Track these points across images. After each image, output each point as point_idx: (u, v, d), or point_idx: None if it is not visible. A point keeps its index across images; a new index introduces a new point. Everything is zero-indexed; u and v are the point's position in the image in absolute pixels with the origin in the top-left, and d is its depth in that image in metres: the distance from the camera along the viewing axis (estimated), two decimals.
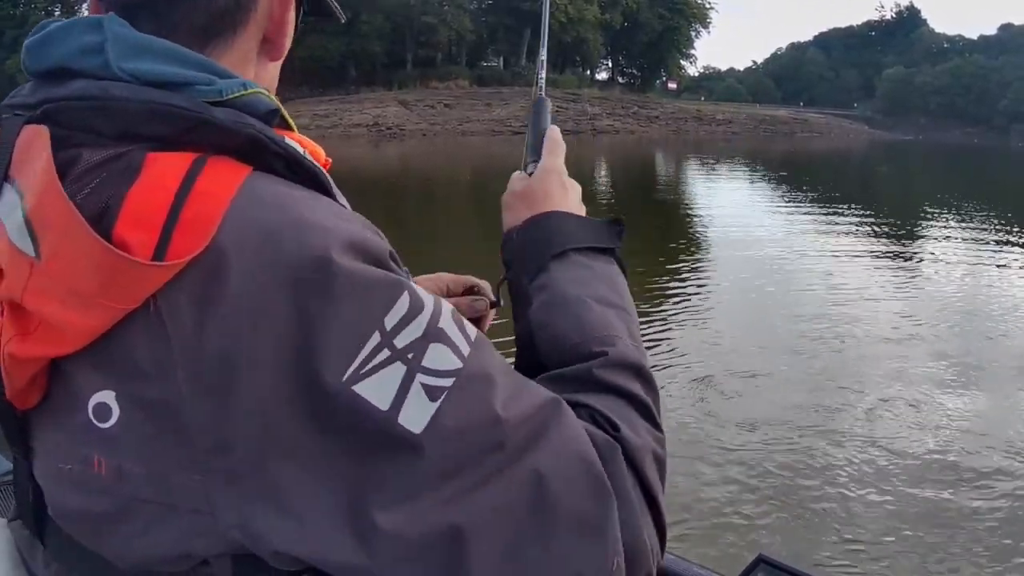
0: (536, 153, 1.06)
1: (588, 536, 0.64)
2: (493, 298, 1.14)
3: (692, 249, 13.59)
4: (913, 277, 11.43)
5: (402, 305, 0.62)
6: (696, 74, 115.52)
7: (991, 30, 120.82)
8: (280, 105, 0.73)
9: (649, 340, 7.65)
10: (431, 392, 0.61)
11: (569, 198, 1.00)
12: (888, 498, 4.75)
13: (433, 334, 0.63)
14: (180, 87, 0.65)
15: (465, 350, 0.64)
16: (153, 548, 0.62)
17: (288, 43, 0.82)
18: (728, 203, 20.33)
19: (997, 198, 24.20)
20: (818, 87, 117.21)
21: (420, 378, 0.60)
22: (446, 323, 0.65)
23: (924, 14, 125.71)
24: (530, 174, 1.03)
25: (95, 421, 0.60)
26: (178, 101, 0.63)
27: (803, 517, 4.55)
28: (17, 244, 0.59)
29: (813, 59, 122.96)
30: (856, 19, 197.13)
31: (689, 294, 9.96)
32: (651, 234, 14.47)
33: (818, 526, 4.46)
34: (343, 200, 0.72)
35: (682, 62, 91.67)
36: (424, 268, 1.15)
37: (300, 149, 0.69)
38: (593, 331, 0.81)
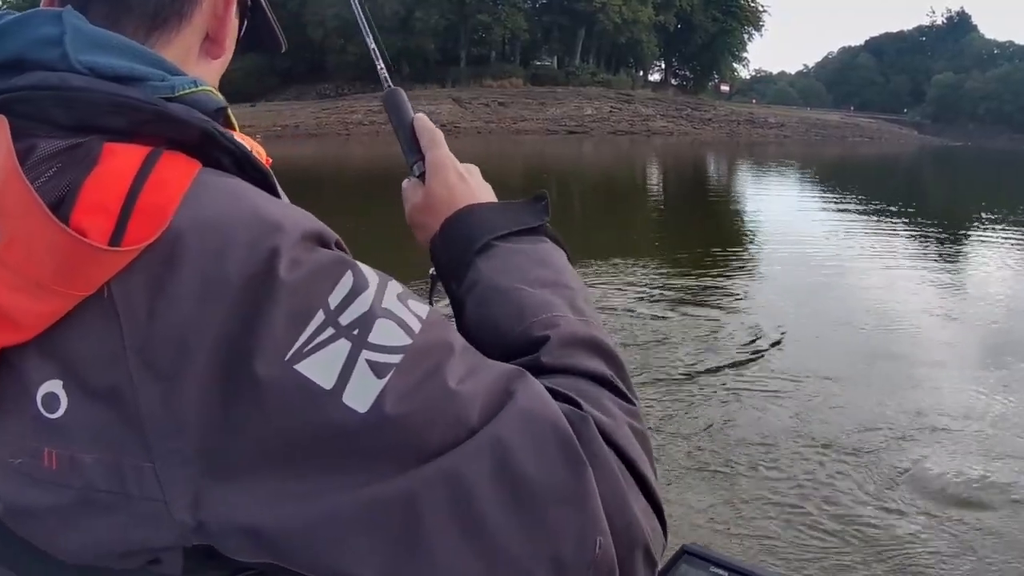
0: (414, 150, 0.96)
1: (562, 510, 0.59)
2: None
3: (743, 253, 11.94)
4: (965, 278, 10.65)
5: (346, 282, 0.61)
6: (748, 77, 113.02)
7: None
8: (226, 103, 0.73)
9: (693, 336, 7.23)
10: (377, 369, 0.58)
11: (472, 186, 0.92)
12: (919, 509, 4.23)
13: (380, 310, 0.61)
14: (135, 81, 0.65)
15: (415, 326, 0.62)
16: (106, 541, 0.60)
17: (230, 45, 0.81)
18: (795, 211, 18.40)
19: None
20: (868, 91, 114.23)
21: (366, 354, 0.58)
22: (392, 300, 0.63)
23: (974, 19, 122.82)
24: (420, 175, 0.94)
25: (44, 412, 0.58)
26: (135, 94, 0.63)
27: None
28: None
29: (864, 63, 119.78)
30: (907, 24, 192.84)
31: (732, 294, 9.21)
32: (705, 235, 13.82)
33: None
34: (286, 199, 0.72)
35: (734, 65, 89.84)
36: None
37: (247, 147, 0.69)
38: (533, 315, 0.74)
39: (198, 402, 0.56)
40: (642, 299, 8.48)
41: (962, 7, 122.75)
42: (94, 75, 0.63)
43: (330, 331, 0.58)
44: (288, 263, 0.58)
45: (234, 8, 0.79)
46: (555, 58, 76.03)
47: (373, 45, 1.01)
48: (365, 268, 0.64)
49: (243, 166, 0.67)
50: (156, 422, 0.56)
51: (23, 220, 0.55)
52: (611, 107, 64.43)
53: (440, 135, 0.95)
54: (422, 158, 0.94)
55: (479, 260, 0.81)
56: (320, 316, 0.58)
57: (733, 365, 6.44)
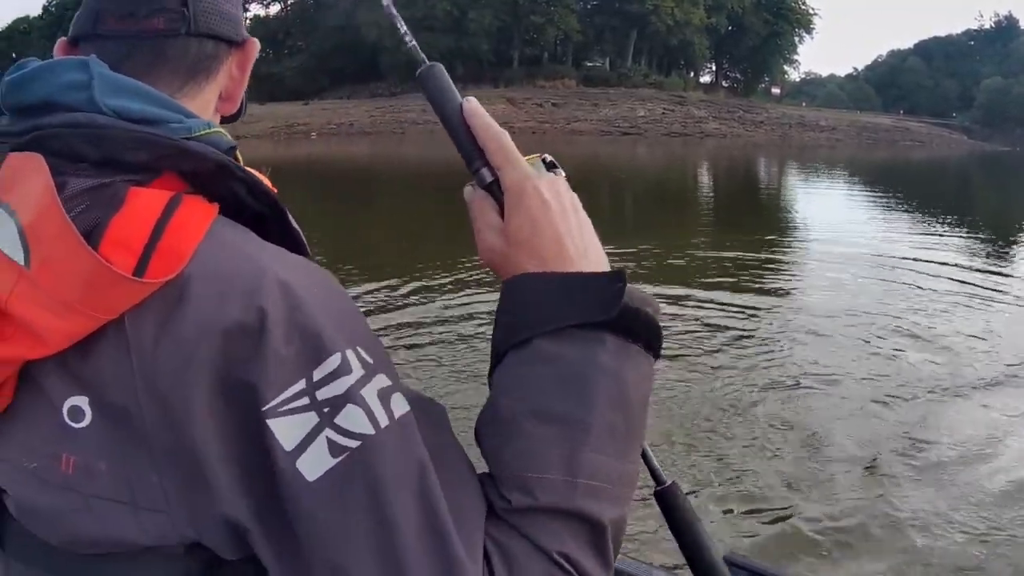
0: (473, 150, 0.75)
1: None
2: None
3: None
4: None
5: (332, 363, 0.62)
6: (797, 79, 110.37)
7: None
8: (236, 143, 0.77)
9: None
10: (334, 448, 0.60)
11: (554, 221, 0.73)
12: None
13: (354, 396, 0.62)
14: (156, 123, 0.70)
15: (383, 422, 0.62)
16: (112, 538, 0.63)
17: (236, 106, 0.87)
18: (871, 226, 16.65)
19: None
20: (917, 95, 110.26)
21: (328, 432, 0.61)
22: (370, 391, 0.63)
23: (1022, 24, 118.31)
24: (488, 186, 0.75)
25: (69, 421, 0.62)
26: (156, 132, 0.68)
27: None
28: (8, 253, 0.62)
29: (913, 67, 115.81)
30: (954, 27, 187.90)
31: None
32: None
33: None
34: (296, 226, 0.76)
35: (785, 67, 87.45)
36: None
37: (258, 177, 0.73)
38: (512, 469, 0.65)
39: (193, 430, 0.60)
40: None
41: (1010, 11, 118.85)
42: (118, 117, 0.68)
43: (305, 400, 0.61)
44: (282, 330, 0.61)
45: (248, 73, 0.86)
46: (607, 59, 74.39)
47: (391, 7, 0.77)
48: (355, 355, 0.64)
49: (255, 193, 0.71)
50: (161, 443, 0.61)
51: (57, 245, 0.60)
52: (664, 109, 62.78)
53: (508, 138, 0.75)
54: (486, 163, 0.74)
55: (509, 356, 0.70)
56: (300, 385, 0.61)
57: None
